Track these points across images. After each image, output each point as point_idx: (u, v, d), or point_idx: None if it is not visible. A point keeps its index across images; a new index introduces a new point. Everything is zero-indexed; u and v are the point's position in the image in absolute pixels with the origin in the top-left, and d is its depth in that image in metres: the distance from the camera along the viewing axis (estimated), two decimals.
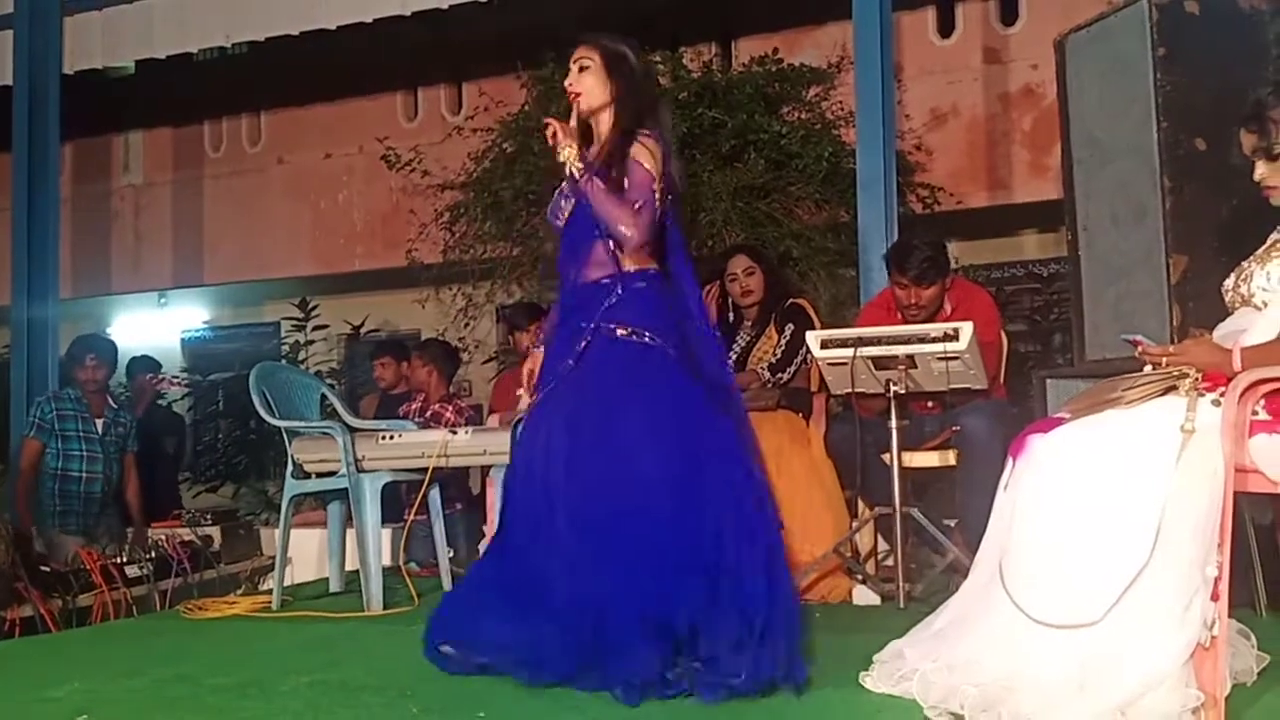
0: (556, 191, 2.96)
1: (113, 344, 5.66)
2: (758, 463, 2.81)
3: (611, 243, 2.78)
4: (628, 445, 2.63)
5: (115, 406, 5.48)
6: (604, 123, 2.91)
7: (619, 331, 2.76)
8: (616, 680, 2.36)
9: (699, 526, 2.53)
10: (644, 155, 2.80)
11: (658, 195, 2.79)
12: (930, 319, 3.89)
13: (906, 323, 3.90)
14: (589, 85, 2.89)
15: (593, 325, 2.77)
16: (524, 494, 2.76)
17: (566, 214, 2.90)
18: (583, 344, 2.76)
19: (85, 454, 5.21)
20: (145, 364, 7.06)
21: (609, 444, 2.64)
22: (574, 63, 2.92)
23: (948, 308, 3.94)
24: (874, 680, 2.31)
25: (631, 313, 2.77)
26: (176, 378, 7.97)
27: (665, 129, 2.95)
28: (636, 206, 2.75)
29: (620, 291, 2.78)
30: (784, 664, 2.36)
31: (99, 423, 5.30)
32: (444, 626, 2.75)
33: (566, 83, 2.93)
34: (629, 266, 2.80)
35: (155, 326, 10.05)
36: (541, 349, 2.95)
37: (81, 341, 5.50)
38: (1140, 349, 2.37)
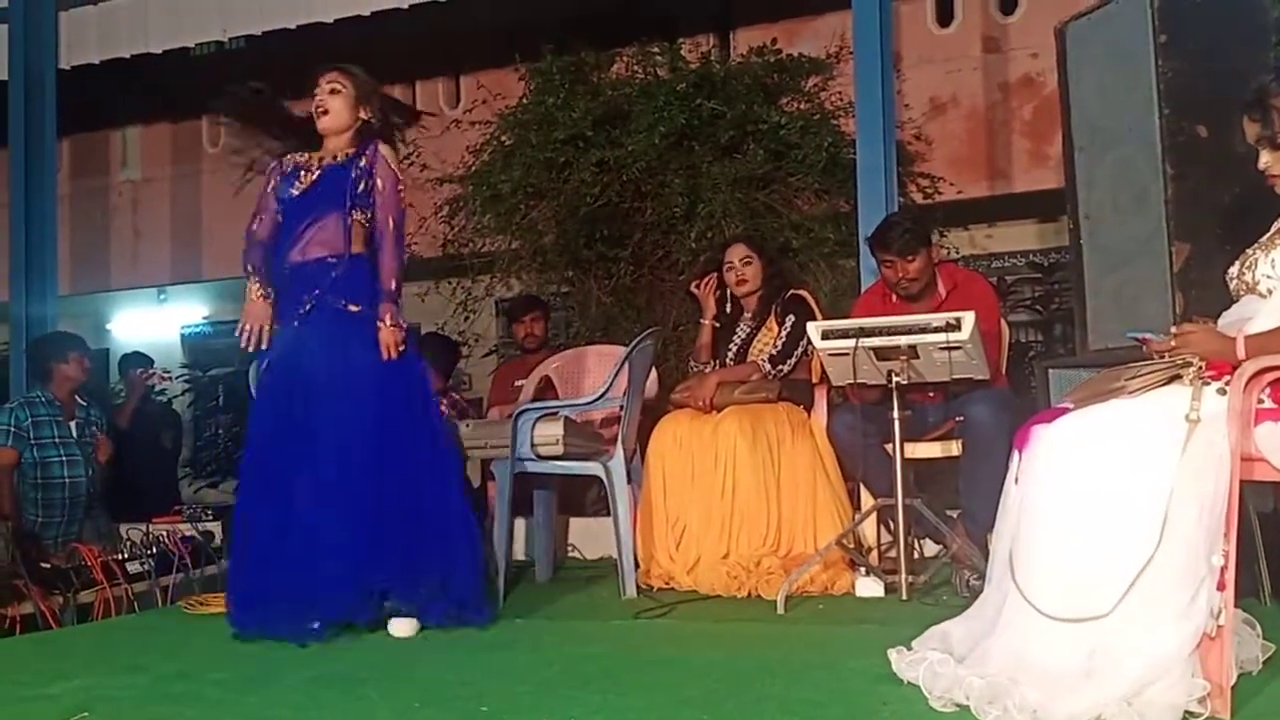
0: (284, 166, 3.26)
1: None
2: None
3: (349, 220, 3.12)
4: (348, 423, 3.02)
5: (84, 404, 5.27)
6: (340, 141, 3.25)
7: (350, 307, 3.10)
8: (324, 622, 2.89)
9: (397, 499, 3.01)
10: (391, 156, 3.22)
11: (402, 197, 3.18)
12: (923, 294, 3.89)
13: (901, 302, 3.90)
14: (337, 107, 3.23)
15: (317, 294, 3.08)
16: (259, 461, 3.10)
17: (304, 187, 3.18)
18: (305, 309, 3.08)
19: (65, 459, 5.03)
20: (136, 360, 7.05)
21: (334, 419, 3.02)
22: (326, 83, 3.26)
23: (942, 291, 3.91)
24: (898, 662, 2.26)
25: (357, 290, 3.10)
26: (167, 372, 7.93)
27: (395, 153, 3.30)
28: (394, 230, 3.15)
29: (346, 268, 3.12)
30: (469, 607, 3.03)
31: (72, 425, 5.12)
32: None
33: (317, 99, 3.25)
34: (357, 248, 3.13)
35: (155, 322, 10.03)
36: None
37: (66, 339, 5.30)
38: (1148, 347, 2.36)
